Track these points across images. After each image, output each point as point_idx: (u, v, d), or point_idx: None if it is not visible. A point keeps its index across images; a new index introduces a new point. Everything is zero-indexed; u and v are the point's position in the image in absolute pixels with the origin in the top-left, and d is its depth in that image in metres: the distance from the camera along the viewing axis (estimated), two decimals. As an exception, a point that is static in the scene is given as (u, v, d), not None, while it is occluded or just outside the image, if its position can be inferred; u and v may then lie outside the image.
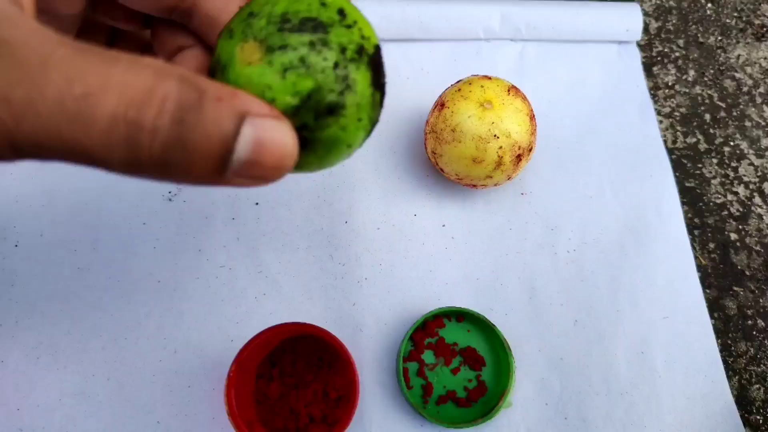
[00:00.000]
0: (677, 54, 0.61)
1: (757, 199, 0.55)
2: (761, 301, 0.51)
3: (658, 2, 0.63)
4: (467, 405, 0.45)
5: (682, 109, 0.59)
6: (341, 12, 0.21)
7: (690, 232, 0.53)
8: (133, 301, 0.46)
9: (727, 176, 0.56)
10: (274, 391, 0.43)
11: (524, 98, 0.47)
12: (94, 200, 0.48)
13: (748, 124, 0.58)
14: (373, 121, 0.23)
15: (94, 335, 0.45)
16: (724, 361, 0.49)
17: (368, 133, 0.23)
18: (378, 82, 0.22)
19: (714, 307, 0.51)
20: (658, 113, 0.58)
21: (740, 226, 0.54)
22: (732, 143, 0.57)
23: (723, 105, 0.59)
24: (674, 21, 0.63)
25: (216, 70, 0.22)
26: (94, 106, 0.17)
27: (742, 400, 0.48)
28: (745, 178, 0.56)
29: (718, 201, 0.55)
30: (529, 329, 0.48)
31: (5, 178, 0.49)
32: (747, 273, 0.52)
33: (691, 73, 0.60)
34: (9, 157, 0.17)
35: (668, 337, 0.49)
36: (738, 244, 0.53)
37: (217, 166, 0.18)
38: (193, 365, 0.45)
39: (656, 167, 0.55)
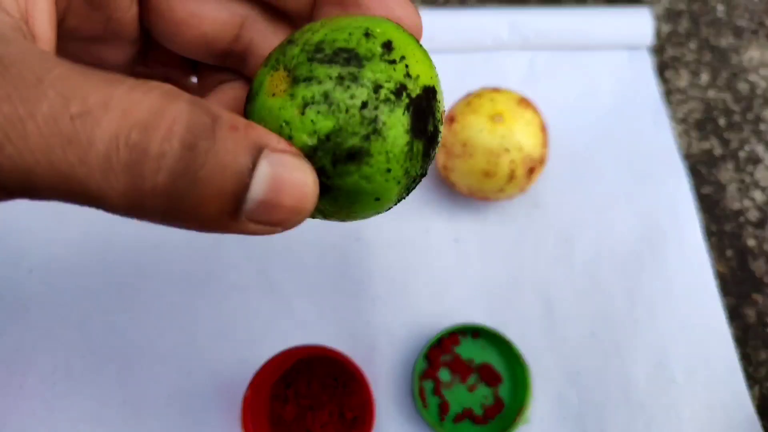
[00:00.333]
0: (689, 58, 0.60)
1: (775, 204, 0.54)
2: (781, 308, 0.51)
3: (668, 6, 0.63)
4: (484, 422, 0.45)
5: (696, 114, 0.58)
6: (387, 45, 0.19)
7: (707, 239, 0.52)
8: (146, 324, 0.46)
9: (743, 181, 0.55)
10: (290, 413, 0.43)
11: (535, 110, 0.47)
12: (105, 225, 0.48)
13: (763, 127, 0.57)
14: (412, 175, 0.20)
15: (109, 359, 0.45)
16: (744, 371, 0.48)
17: (405, 188, 0.20)
18: (420, 130, 0.19)
19: (733, 315, 0.50)
20: (672, 118, 0.57)
21: (758, 233, 0.53)
22: (747, 147, 0.56)
23: (737, 108, 0.58)
24: (685, 24, 0.62)
25: (247, 99, 0.20)
26: (93, 127, 0.15)
27: (764, 410, 0.48)
28: (762, 183, 0.55)
29: (735, 207, 0.54)
30: (545, 343, 0.48)
31: (18, 204, 0.49)
32: (765, 280, 0.51)
33: (704, 76, 0.59)
34: None
35: (687, 347, 0.48)
36: (756, 250, 0.52)
37: (230, 205, 0.16)
38: (208, 387, 0.45)
39: (671, 174, 0.54)
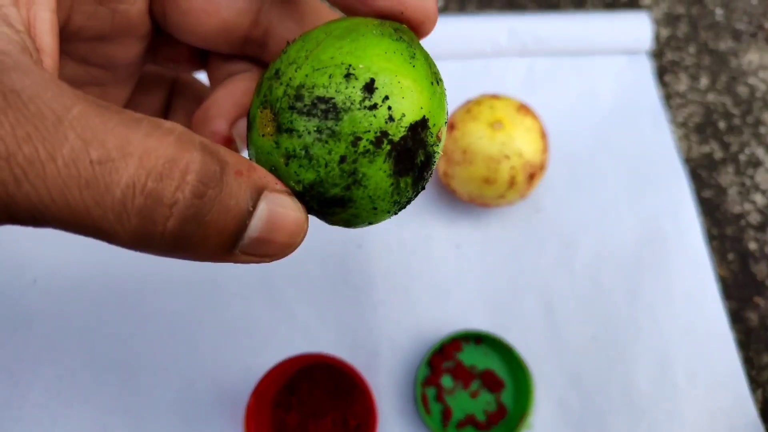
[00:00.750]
0: (689, 62, 0.60)
1: (776, 207, 0.54)
2: (783, 311, 0.51)
3: (667, 10, 0.63)
4: (487, 429, 0.45)
5: (696, 118, 0.58)
6: (368, 86, 0.18)
7: (708, 243, 0.52)
8: (149, 333, 0.46)
9: (743, 185, 0.55)
10: (293, 421, 0.43)
11: (535, 116, 0.47)
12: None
13: (763, 130, 0.57)
14: (403, 202, 0.20)
15: (112, 368, 0.45)
16: (747, 374, 0.48)
17: (396, 212, 0.21)
18: (406, 168, 0.19)
19: (735, 318, 0.50)
20: (672, 122, 0.57)
21: (759, 236, 0.53)
22: (748, 150, 0.56)
23: (737, 112, 0.58)
24: (684, 28, 0.62)
25: (248, 121, 0.21)
26: (111, 173, 0.15)
27: (767, 414, 0.48)
28: (763, 186, 0.55)
29: (736, 211, 0.54)
30: (547, 348, 0.48)
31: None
32: (767, 283, 0.52)
33: (704, 80, 0.60)
34: (1, 221, 0.16)
35: (689, 351, 0.48)
36: (757, 254, 0.52)
37: (229, 243, 0.17)
38: (211, 396, 0.45)
39: (671, 178, 0.54)
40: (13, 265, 0.48)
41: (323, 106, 0.18)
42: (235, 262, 0.18)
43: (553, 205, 0.53)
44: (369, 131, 0.18)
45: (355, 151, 0.18)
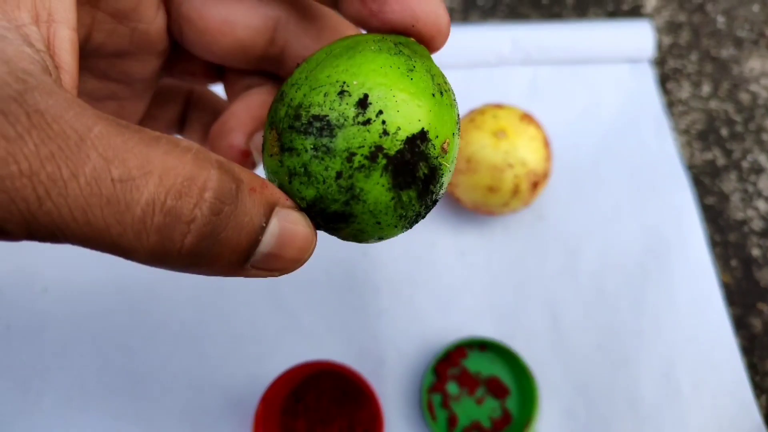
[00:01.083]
0: (691, 69, 0.61)
1: (779, 214, 0.55)
2: (787, 317, 0.51)
3: (669, 18, 0.63)
4: (493, 435, 0.45)
5: (698, 125, 0.58)
6: (362, 102, 0.19)
7: (711, 249, 0.53)
8: (159, 341, 0.47)
9: (746, 191, 0.55)
10: (300, 427, 0.44)
11: (538, 125, 0.48)
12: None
13: (765, 137, 0.58)
14: (410, 216, 0.20)
15: (123, 376, 0.46)
16: (751, 380, 0.48)
17: (409, 223, 0.21)
18: (407, 182, 0.19)
19: (738, 325, 0.51)
20: (674, 130, 0.58)
21: (762, 242, 0.53)
22: (750, 157, 0.57)
23: (739, 119, 0.59)
24: (686, 36, 0.62)
25: (263, 145, 0.21)
26: (132, 192, 0.15)
27: (772, 420, 0.48)
28: (765, 192, 0.55)
29: (739, 217, 0.54)
30: (552, 355, 0.48)
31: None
32: (771, 289, 0.52)
33: (706, 87, 0.60)
34: (18, 237, 0.16)
35: (693, 357, 0.49)
36: (761, 260, 0.53)
37: (242, 259, 0.18)
38: (219, 402, 0.46)
39: (674, 185, 0.55)
40: (24, 275, 0.48)
41: (318, 124, 0.19)
42: (245, 276, 0.19)
43: (557, 213, 0.53)
44: (363, 146, 0.18)
45: (351, 167, 0.18)
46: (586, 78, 0.59)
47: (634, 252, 0.52)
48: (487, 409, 0.46)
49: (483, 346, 0.47)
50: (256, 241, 0.18)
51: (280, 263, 0.19)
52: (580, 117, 0.57)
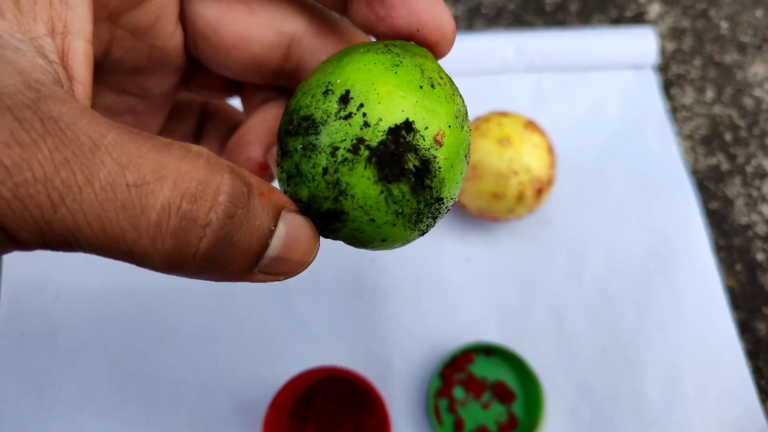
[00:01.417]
0: (694, 75, 0.61)
1: (783, 218, 0.55)
2: (792, 322, 0.51)
3: (672, 24, 0.64)
4: (499, 439, 0.46)
5: (702, 130, 0.59)
6: (343, 98, 0.19)
7: (716, 254, 0.53)
8: (169, 346, 0.48)
9: (750, 196, 0.56)
10: (309, 432, 0.45)
11: (542, 132, 0.48)
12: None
13: (769, 141, 0.58)
14: (404, 213, 0.19)
15: (134, 381, 0.47)
16: (756, 384, 0.49)
17: (411, 223, 0.20)
18: (394, 173, 0.19)
19: (743, 329, 0.51)
20: (678, 135, 0.58)
21: (767, 246, 0.54)
22: (754, 162, 0.57)
23: (743, 124, 0.59)
24: (690, 42, 0.63)
25: None
26: (147, 196, 0.15)
27: (777, 423, 0.48)
28: (770, 197, 0.56)
29: (743, 222, 0.55)
30: (557, 359, 0.49)
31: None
32: (776, 293, 0.52)
33: (709, 93, 0.60)
34: (31, 246, 0.16)
35: (698, 361, 0.49)
36: (765, 264, 0.53)
37: (252, 263, 0.18)
38: (229, 407, 0.46)
39: (678, 190, 0.55)
40: (37, 282, 0.49)
41: (305, 124, 0.19)
42: (251, 281, 0.19)
43: (562, 219, 0.53)
44: (345, 140, 0.18)
45: (335, 161, 0.19)
46: (590, 84, 0.59)
47: (638, 257, 0.52)
48: (494, 414, 0.47)
49: (489, 351, 0.48)
50: (266, 244, 0.18)
51: (286, 267, 0.19)
52: (584, 123, 0.58)
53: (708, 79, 0.61)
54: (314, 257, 0.20)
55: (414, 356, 0.48)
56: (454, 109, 0.20)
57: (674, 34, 0.63)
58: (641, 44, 0.59)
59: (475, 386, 0.47)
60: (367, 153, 0.18)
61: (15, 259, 0.49)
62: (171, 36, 0.23)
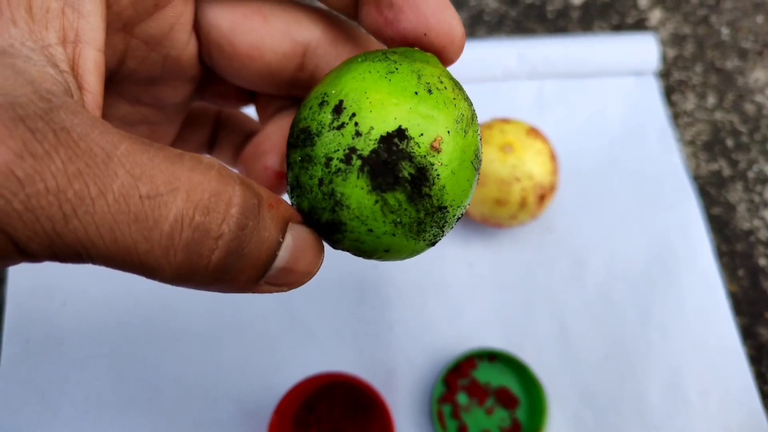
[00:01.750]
0: (696, 81, 0.62)
1: (785, 224, 0.55)
2: (794, 327, 0.51)
3: (673, 30, 0.64)
4: (502, 445, 0.46)
5: (704, 136, 0.59)
6: (336, 108, 0.19)
7: (718, 259, 0.53)
8: (174, 353, 0.48)
9: (752, 201, 0.56)
10: (313, 438, 0.45)
11: (544, 139, 0.48)
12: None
13: (771, 147, 0.58)
14: (403, 223, 0.19)
15: (138, 388, 0.47)
16: (759, 390, 0.49)
17: (409, 236, 0.20)
18: (388, 182, 0.18)
19: (746, 334, 0.51)
20: (680, 141, 0.58)
21: (769, 252, 0.54)
22: (756, 168, 0.57)
23: (744, 129, 0.59)
24: (691, 48, 0.63)
25: None
26: (161, 208, 0.15)
27: (781, 429, 0.48)
28: (771, 203, 0.56)
29: (745, 227, 0.55)
30: (560, 365, 0.49)
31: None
32: (778, 299, 0.52)
33: (711, 99, 0.61)
34: (40, 258, 0.15)
35: (701, 367, 0.49)
36: (767, 270, 0.53)
37: (260, 274, 0.18)
38: (233, 414, 0.46)
39: (680, 196, 0.55)
40: (43, 289, 0.49)
41: (302, 136, 0.19)
42: (257, 292, 0.19)
43: (564, 225, 0.54)
44: (338, 150, 0.18)
45: (329, 172, 0.18)
46: (591, 91, 0.59)
47: (641, 262, 0.52)
48: (497, 419, 0.47)
49: (492, 356, 0.48)
50: (274, 256, 0.18)
51: (292, 277, 0.19)
52: (586, 129, 0.58)
53: (709, 85, 0.61)
54: (319, 268, 0.20)
55: (417, 362, 0.48)
56: (455, 113, 0.19)
57: (675, 40, 0.64)
58: (642, 51, 0.60)
59: (479, 392, 0.47)
60: (359, 162, 0.18)
61: (21, 266, 0.50)
62: (185, 46, 0.23)
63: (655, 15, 0.65)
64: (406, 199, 0.19)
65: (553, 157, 0.48)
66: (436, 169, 0.19)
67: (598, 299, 0.51)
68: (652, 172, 0.56)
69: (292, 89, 0.25)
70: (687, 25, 0.64)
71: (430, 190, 0.19)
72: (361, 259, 0.51)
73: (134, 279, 0.49)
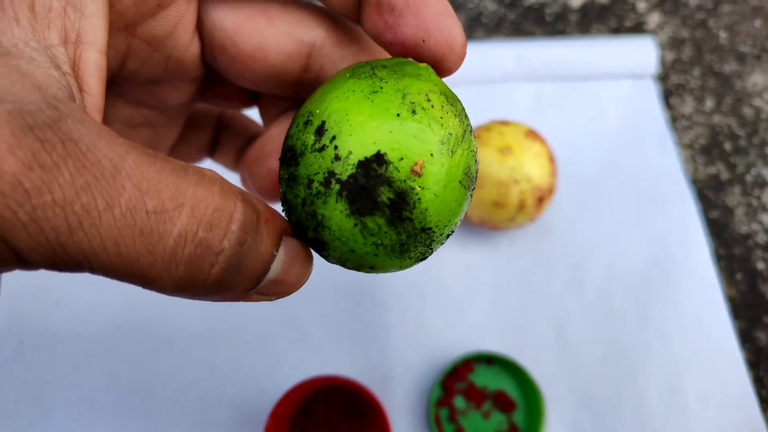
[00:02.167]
0: (694, 84, 0.62)
1: (783, 227, 0.55)
2: (792, 331, 0.51)
3: (672, 34, 0.64)
4: (500, 449, 0.46)
5: (702, 139, 0.59)
6: (319, 129, 0.19)
7: (716, 263, 0.53)
8: (169, 355, 0.48)
9: (750, 205, 0.56)
10: (309, 441, 0.44)
11: (543, 141, 0.48)
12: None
13: (769, 151, 0.58)
14: (384, 245, 0.19)
15: (133, 390, 0.47)
16: (758, 394, 0.49)
17: (392, 256, 0.20)
18: (367, 207, 0.18)
19: (744, 338, 0.51)
20: (678, 144, 0.58)
21: (767, 255, 0.54)
22: (754, 171, 0.57)
23: (742, 133, 0.59)
24: (689, 52, 0.63)
25: None
26: (166, 223, 0.16)
27: (779, 434, 0.48)
28: (770, 207, 0.56)
29: (743, 231, 0.55)
30: (558, 368, 0.48)
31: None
32: (776, 303, 0.52)
33: (709, 102, 0.61)
34: (38, 267, 0.15)
35: (699, 371, 0.49)
36: (765, 273, 0.53)
37: (254, 285, 0.18)
38: (228, 417, 0.46)
39: (679, 199, 0.55)
40: (36, 289, 0.49)
41: (289, 155, 0.20)
42: (247, 300, 0.19)
43: (563, 228, 0.54)
44: (318, 173, 0.18)
45: (311, 194, 0.19)
46: (590, 94, 0.59)
47: (639, 266, 0.52)
48: (495, 423, 0.46)
49: (490, 360, 0.48)
50: (267, 268, 0.18)
51: (281, 288, 0.19)
52: (585, 132, 0.58)
53: (707, 88, 0.61)
54: (307, 279, 0.20)
55: (414, 365, 0.48)
56: (441, 134, 0.19)
57: (674, 43, 0.64)
58: (641, 54, 0.60)
59: (476, 395, 0.47)
60: (338, 187, 0.18)
61: (14, 266, 0.49)
62: (188, 46, 0.23)
63: (654, 18, 0.65)
64: (386, 223, 0.19)
65: (551, 160, 0.48)
66: (417, 193, 0.18)
67: (596, 302, 0.51)
68: (650, 175, 0.56)
69: (296, 90, 0.25)
70: (685, 29, 0.64)
71: (411, 213, 0.19)
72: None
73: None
